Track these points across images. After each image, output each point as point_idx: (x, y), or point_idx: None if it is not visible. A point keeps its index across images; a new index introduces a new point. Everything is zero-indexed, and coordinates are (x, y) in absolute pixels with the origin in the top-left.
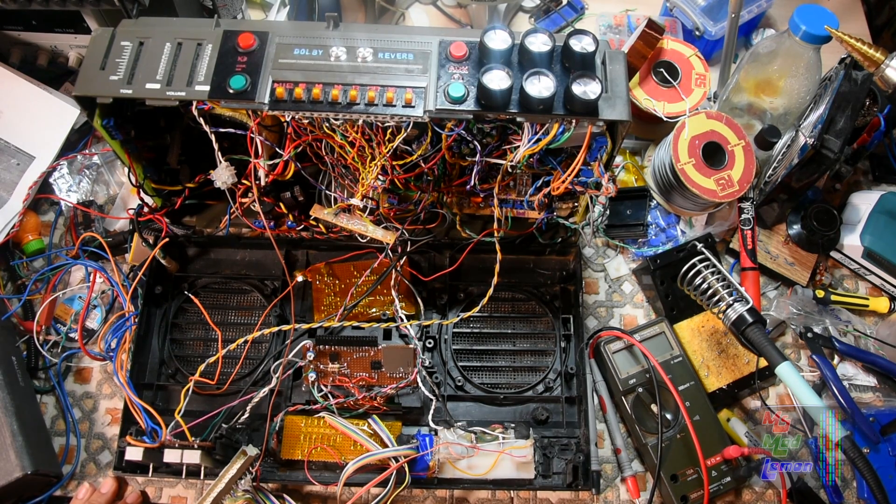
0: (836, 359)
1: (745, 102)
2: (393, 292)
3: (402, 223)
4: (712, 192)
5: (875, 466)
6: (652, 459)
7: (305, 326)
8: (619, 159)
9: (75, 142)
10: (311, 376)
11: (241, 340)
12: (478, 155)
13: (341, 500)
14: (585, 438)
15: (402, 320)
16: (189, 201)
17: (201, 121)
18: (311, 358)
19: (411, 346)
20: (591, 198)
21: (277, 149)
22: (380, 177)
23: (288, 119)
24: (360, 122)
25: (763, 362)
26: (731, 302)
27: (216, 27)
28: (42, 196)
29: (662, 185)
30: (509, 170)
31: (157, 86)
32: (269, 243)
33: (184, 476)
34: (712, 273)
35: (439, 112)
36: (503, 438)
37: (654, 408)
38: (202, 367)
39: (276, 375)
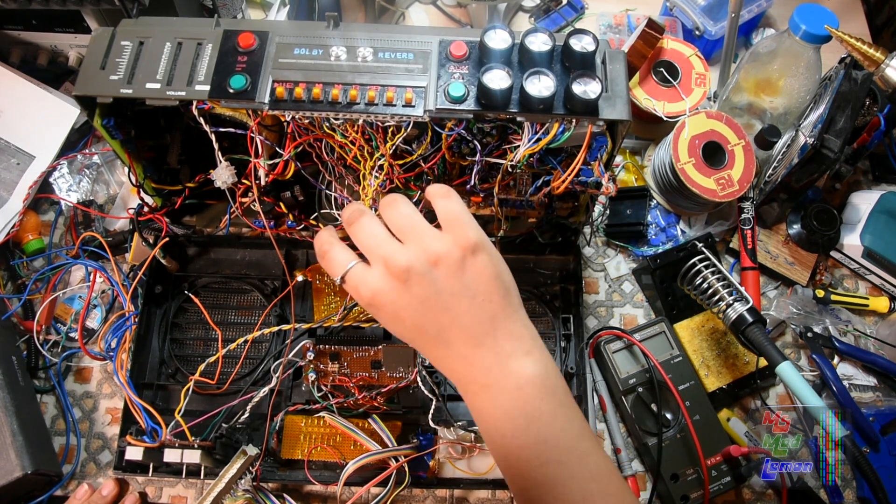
0: (836, 359)
1: (745, 102)
2: None
3: None
4: (712, 192)
5: (875, 466)
6: (652, 459)
7: (305, 326)
8: (619, 159)
9: (75, 141)
10: (311, 376)
11: (241, 340)
12: (478, 154)
13: (341, 500)
14: None
15: None
16: (189, 201)
17: (201, 120)
18: (311, 358)
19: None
20: (591, 197)
21: (277, 148)
22: (381, 178)
23: (288, 119)
24: (361, 121)
25: (763, 362)
26: (731, 301)
27: (216, 27)
28: (42, 196)
29: (662, 185)
30: (509, 169)
31: (157, 85)
32: (269, 243)
33: (184, 476)
34: (712, 273)
35: (439, 112)
36: None
37: (654, 407)
38: (202, 366)
39: (276, 375)
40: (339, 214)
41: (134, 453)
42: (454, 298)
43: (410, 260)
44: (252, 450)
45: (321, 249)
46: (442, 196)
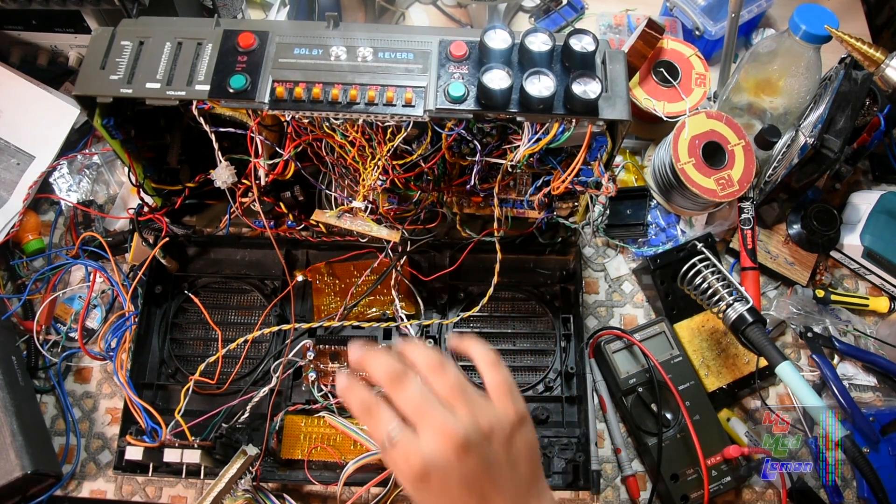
0: (836, 359)
1: (745, 102)
2: (393, 292)
3: (402, 223)
4: (712, 192)
5: (875, 466)
6: (652, 459)
7: (305, 326)
8: (619, 159)
9: (75, 141)
10: (311, 376)
11: (241, 340)
12: (478, 154)
13: (341, 500)
14: (585, 438)
15: (402, 320)
16: (189, 201)
17: (201, 120)
18: (311, 357)
19: None
20: (591, 197)
21: (277, 148)
22: (380, 177)
23: (288, 118)
24: (361, 121)
25: (763, 362)
26: (731, 301)
27: (216, 27)
28: (42, 196)
29: (662, 185)
30: (509, 169)
31: (157, 85)
32: (269, 243)
33: (184, 476)
34: (712, 273)
35: (439, 111)
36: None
37: (654, 407)
38: (202, 366)
39: (276, 375)
40: (355, 355)
41: (134, 453)
42: (501, 469)
43: (468, 430)
44: (252, 450)
45: (364, 406)
46: (492, 364)
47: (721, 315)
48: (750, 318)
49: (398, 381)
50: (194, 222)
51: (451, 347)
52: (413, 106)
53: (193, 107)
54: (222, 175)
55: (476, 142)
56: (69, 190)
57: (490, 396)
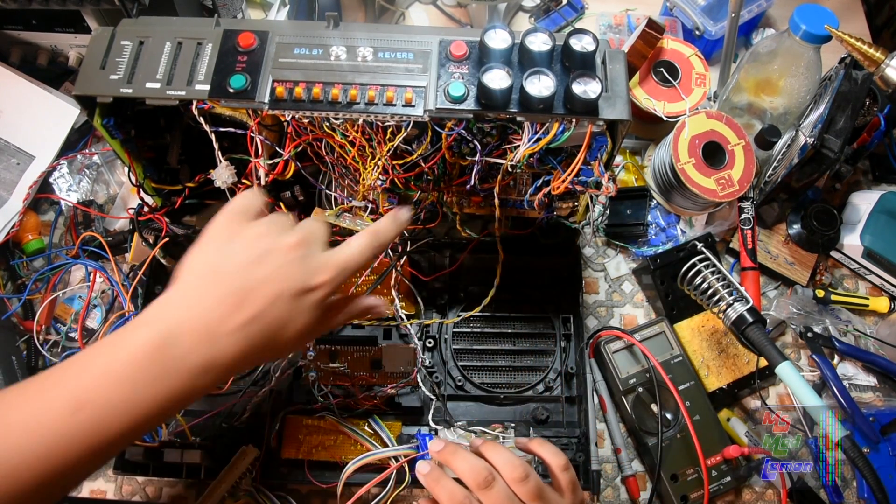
0: (836, 359)
1: (745, 102)
2: (393, 292)
3: None
4: (712, 192)
5: (875, 466)
6: (652, 459)
7: None
8: (619, 159)
9: (75, 141)
10: (311, 376)
11: None
12: (478, 154)
13: (341, 500)
14: (585, 438)
15: (402, 320)
16: (189, 201)
17: (201, 120)
18: (311, 357)
19: (411, 345)
20: (591, 197)
21: (277, 148)
22: (380, 177)
23: (288, 118)
24: (361, 121)
25: (763, 362)
26: (731, 301)
27: (216, 26)
28: (42, 196)
29: (662, 185)
30: (509, 169)
31: (158, 85)
32: None
33: (184, 476)
34: (712, 273)
35: (439, 111)
36: (503, 438)
37: (654, 408)
38: None
39: (276, 375)
40: (437, 448)
41: (134, 453)
42: None
43: None
44: (252, 450)
45: (455, 500)
46: (564, 468)
47: (721, 315)
48: (750, 318)
49: (486, 484)
50: (194, 222)
51: (519, 446)
52: (413, 106)
53: (193, 107)
54: (222, 175)
55: (476, 142)
56: (69, 190)
57: (563, 493)
